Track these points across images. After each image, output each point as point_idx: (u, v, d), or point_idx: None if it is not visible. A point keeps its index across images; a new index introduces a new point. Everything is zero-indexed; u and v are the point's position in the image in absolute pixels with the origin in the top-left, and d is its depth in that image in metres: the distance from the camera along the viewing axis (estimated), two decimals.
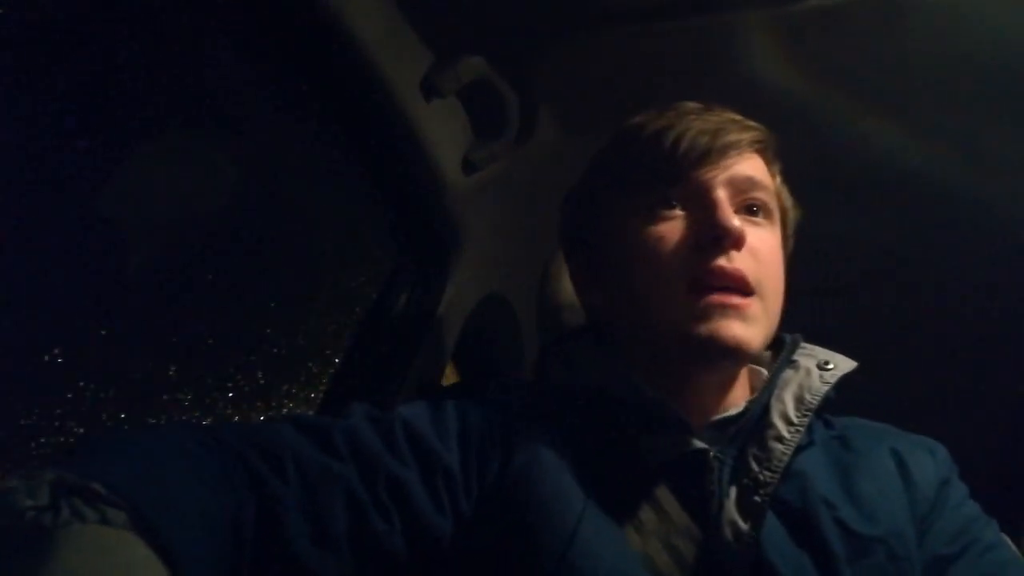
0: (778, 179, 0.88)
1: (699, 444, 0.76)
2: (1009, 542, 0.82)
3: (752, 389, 0.86)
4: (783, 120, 1.25)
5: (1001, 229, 1.40)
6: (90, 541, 0.49)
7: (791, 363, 0.85)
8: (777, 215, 0.86)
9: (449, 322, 1.24)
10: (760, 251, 0.80)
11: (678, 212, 0.81)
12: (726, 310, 0.76)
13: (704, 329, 0.76)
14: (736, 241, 0.77)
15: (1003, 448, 1.72)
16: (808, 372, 0.83)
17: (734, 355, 0.78)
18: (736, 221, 0.77)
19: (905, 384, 1.72)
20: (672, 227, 0.80)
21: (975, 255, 1.47)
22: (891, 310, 1.62)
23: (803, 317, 1.56)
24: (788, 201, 0.89)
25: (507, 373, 1.43)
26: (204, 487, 0.59)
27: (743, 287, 0.77)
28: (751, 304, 0.77)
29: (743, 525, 0.72)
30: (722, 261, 0.77)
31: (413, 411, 0.78)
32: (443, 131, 1.17)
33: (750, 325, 0.77)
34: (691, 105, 0.86)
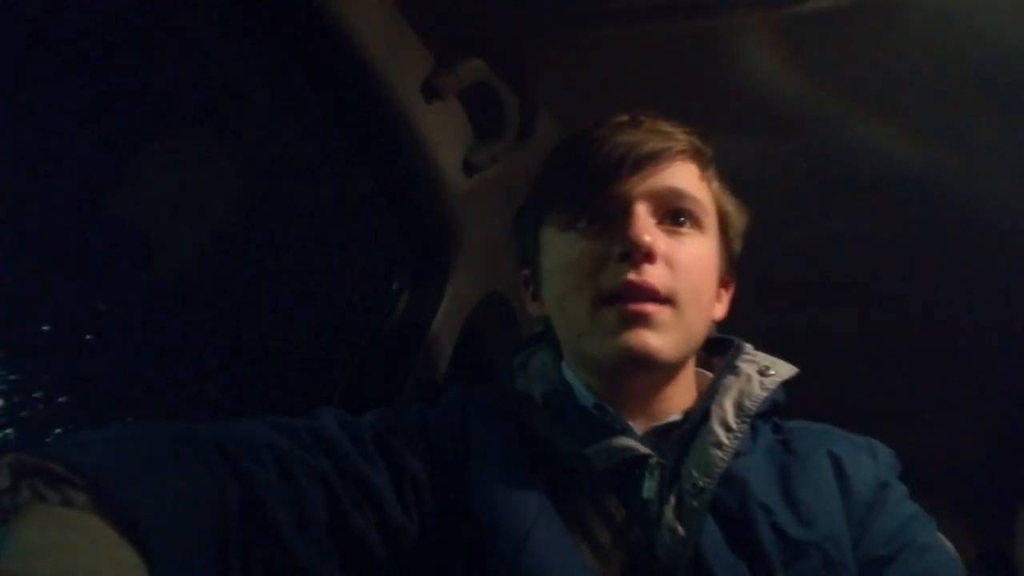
0: (715, 184, 0.87)
1: (641, 449, 0.77)
2: (946, 543, 0.82)
3: (700, 393, 0.87)
4: (782, 121, 1.26)
5: (999, 230, 1.41)
6: (51, 521, 0.49)
7: (733, 369, 0.85)
8: (711, 222, 0.85)
9: (449, 322, 1.25)
10: (678, 262, 0.79)
11: (598, 227, 0.81)
12: (635, 318, 0.77)
13: (615, 340, 0.77)
14: (646, 255, 0.77)
15: (1001, 447, 1.72)
16: (749, 378, 0.83)
17: (644, 364, 0.78)
18: (646, 236, 0.77)
19: (903, 381, 1.72)
20: (590, 243, 0.81)
21: (974, 255, 1.47)
22: (890, 310, 1.62)
23: (801, 316, 1.57)
24: (730, 205, 0.88)
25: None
26: (178, 472, 0.58)
27: (654, 297, 0.77)
28: (662, 311, 0.77)
29: (681, 531, 0.73)
30: (632, 275, 0.77)
31: (380, 417, 0.79)
32: (443, 132, 1.17)
33: (661, 333, 0.77)
34: (621, 118, 0.85)
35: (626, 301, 0.77)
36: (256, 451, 0.66)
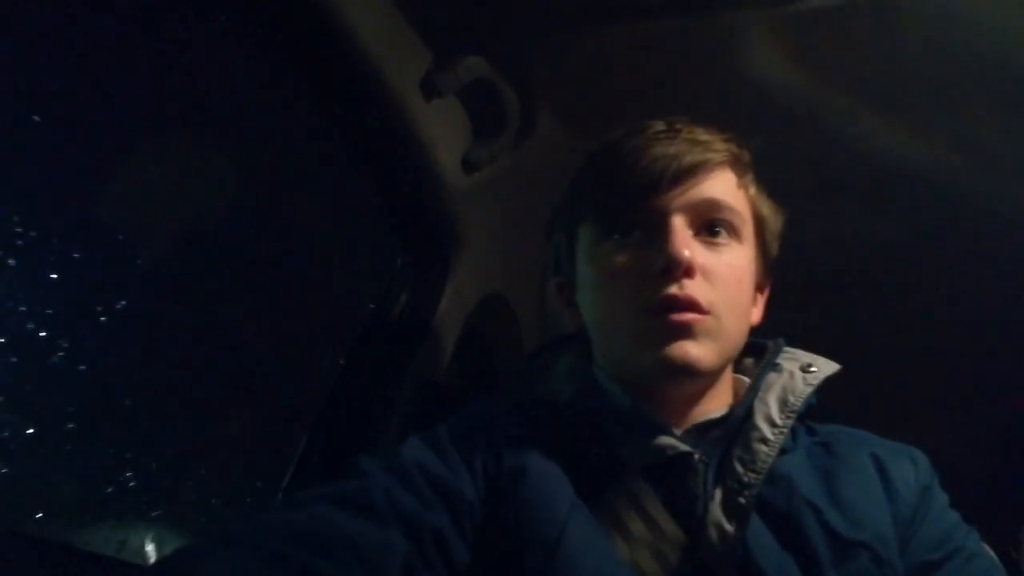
0: (752, 189, 0.87)
1: (683, 447, 0.77)
2: (989, 551, 0.82)
3: (736, 396, 0.87)
4: (783, 120, 1.26)
5: (1001, 229, 1.40)
6: None
7: (774, 367, 0.86)
8: (747, 229, 0.85)
9: (449, 322, 1.24)
10: (716, 275, 0.80)
11: (638, 239, 0.82)
12: (677, 328, 0.77)
13: (656, 350, 0.77)
14: (687, 270, 0.78)
15: (1004, 450, 1.72)
16: (791, 375, 0.84)
17: (686, 373, 0.78)
18: (686, 252, 0.78)
19: (905, 384, 1.72)
20: (630, 255, 0.81)
21: (975, 255, 1.47)
22: (890, 310, 1.61)
23: (802, 316, 1.57)
24: (766, 209, 0.88)
25: (504, 377, 1.44)
26: None
27: (695, 310, 0.78)
28: (704, 320, 0.78)
29: (728, 527, 0.73)
30: (673, 289, 0.77)
31: (418, 450, 0.79)
32: (443, 131, 1.17)
33: (702, 342, 0.78)
34: (659, 126, 0.85)
35: (669, 312, 0.77)
36: (337, 554, 0.66)
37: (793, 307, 1.57)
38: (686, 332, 0.77)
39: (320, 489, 0.73)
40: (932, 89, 1.18)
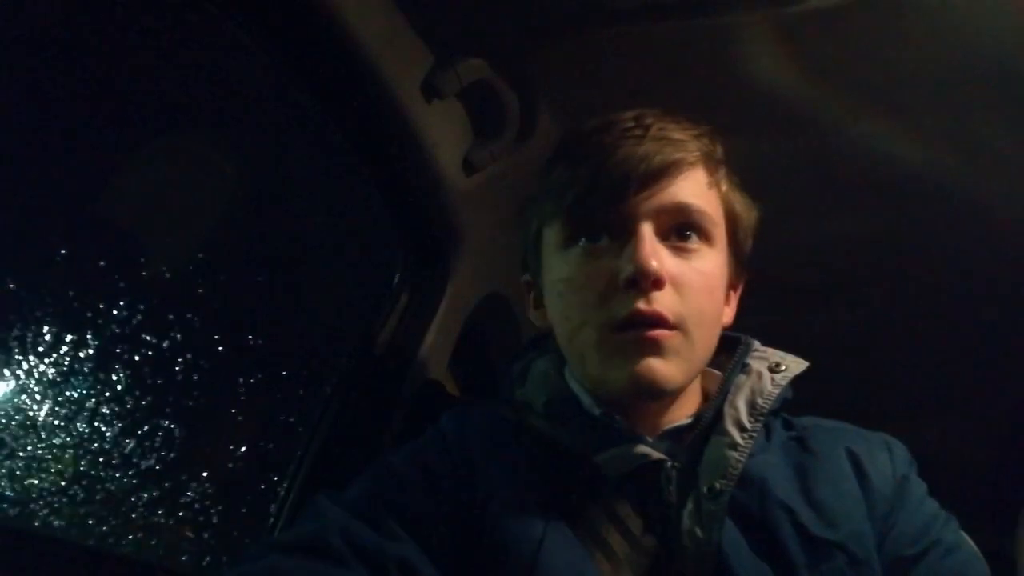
0: (724, 186, 0.84)
1: (654, 455, 0.76)
2: (969, 541, 0.81)
3: (705, 392, 0.86)
4: (783, 120, 1.26)
5: (1000, 229, 1.40)
6: None
7: (744, 367, 0.84)
8: (719, 231, 0.82)
9: (449, 322, 1.25)
10: (686, 284, 0.77)
11: (605, 245, 0.79)
12: (644, 346, 0.75)
13: (623, 368, 0.76)
14: (655, 282, 0.75)
15: (1002, 447, 1.72)
16: (760, 376, 0.83)
17: (653, 393, 0.77)
18: (653, 262, 0.75)
19: (904, 382, 1.72)
20: (597, 264, 0.79)
21: (974, 255, 1.47)
22: (889, 310, 1.61)
23: (800, 316, 1.57)
24: (739, 205, 0.85)
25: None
26: None
27: (662, 325, 0.76)
28: (671, 337, 0.76)
29: (701, 534, 0.72)
30: (640, 304, 0.75)
31: (380, 480, 0.78)
32: (443, 132, 1.17)
33: (669, 360, 0.76)
34: (628, 122, 0.81)
35: (635, 329, 0.75)
36: None
37: (792, 307, 1.57)
38: (653, 350, 0.75)
39: (275, 538, 0.73)
40: (932, 89, 1.18)
